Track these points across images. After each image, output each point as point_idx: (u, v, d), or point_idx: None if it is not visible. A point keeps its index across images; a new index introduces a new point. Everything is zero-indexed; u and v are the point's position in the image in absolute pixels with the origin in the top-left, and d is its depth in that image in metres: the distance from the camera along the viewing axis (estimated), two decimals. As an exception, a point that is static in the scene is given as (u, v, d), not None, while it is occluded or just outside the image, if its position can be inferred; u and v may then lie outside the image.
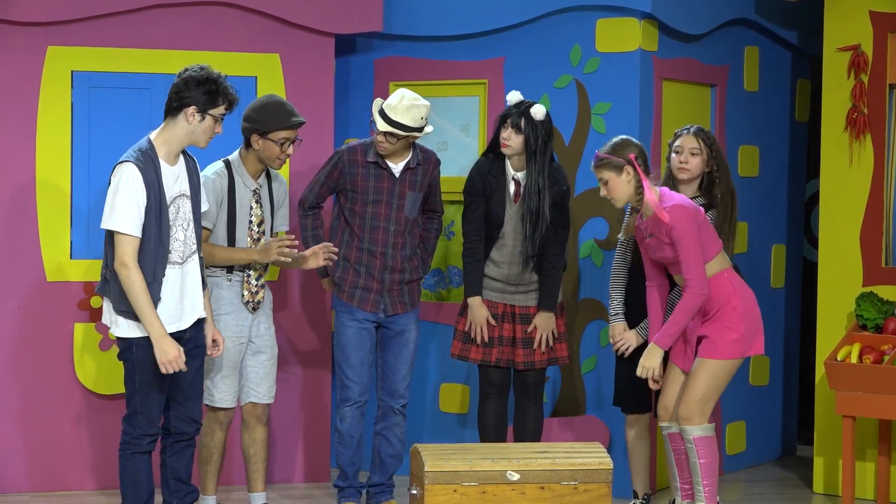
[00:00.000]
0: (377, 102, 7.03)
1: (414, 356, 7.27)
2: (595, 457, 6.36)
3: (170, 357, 6.06)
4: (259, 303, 6.96)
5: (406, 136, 6.98)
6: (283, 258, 6.79)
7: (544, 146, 7.09)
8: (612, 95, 7.73)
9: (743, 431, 8.52)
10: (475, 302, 7.20)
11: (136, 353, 6.12)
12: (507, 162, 7.17)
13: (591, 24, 7.77)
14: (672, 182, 7.01)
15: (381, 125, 6.95)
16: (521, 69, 7.93)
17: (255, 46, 7.87)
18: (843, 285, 7.88)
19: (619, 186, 6.56)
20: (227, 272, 6.92)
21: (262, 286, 6.96)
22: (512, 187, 7.17)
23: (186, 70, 6.19)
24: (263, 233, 6.96)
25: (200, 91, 6.13)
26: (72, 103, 7.66)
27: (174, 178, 6.17)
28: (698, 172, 6.98)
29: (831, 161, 7.95)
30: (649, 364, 6.64)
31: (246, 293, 6.91)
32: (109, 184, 6.13)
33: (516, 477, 6.26)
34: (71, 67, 7.63)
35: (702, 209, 6.66)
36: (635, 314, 7.05)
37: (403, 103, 6.93)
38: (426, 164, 7.18)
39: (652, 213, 6.53)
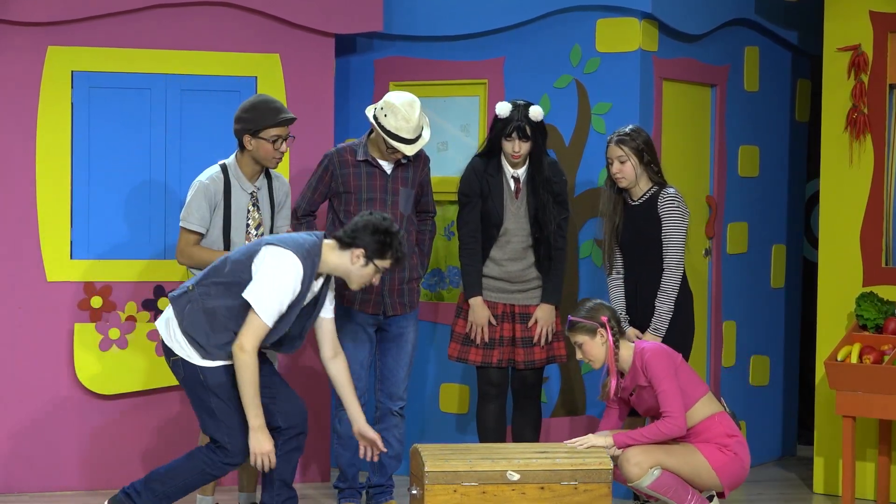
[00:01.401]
0: (374, 121, 6.96)
1: (412, 358, 7.26)
2: (595, 457, 6.35)
3: (265, 449, 6.06)
4: None
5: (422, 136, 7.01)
6: None
7: (545, 144, 7.12)
8: (613, 95, 7.73)
9: (743, 432, 8.51)
10: (476, 302, 7.19)
11: (206, 379, 6.09)
12: (503, 160, 7.17)
13: (591, 24, 7.77)
14: (615, 186, 7.03)
15: (410, 149, 6.93)
16: (521, 69, 7.93)
17: (255, 46, 7.87)
18: (843, 285, 7.88)
19: (594, 349, 6.55)
20: None
21: None
22: (512, 184, 7.17)
23: (372, 213, 6.21)
24: (262, 235, 6.93)
25: (374, 239, 6.14)
26: (72, 103, 7.65)
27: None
28: (634, 176, 6.99)
29: (831, 161, 7.95)
30: (590, 443, 6.48)
31: None
32: (266, 261, 6.05)
33: (516, 477, 6.25)
34: (71, 67, 7.63)
35: (679, 355, 6.61)
36: (637, 316, 7.06)
37: (410, 125, 6.88)
38: (416, 160, 7.16)
39: (629, 369, 6.54)
